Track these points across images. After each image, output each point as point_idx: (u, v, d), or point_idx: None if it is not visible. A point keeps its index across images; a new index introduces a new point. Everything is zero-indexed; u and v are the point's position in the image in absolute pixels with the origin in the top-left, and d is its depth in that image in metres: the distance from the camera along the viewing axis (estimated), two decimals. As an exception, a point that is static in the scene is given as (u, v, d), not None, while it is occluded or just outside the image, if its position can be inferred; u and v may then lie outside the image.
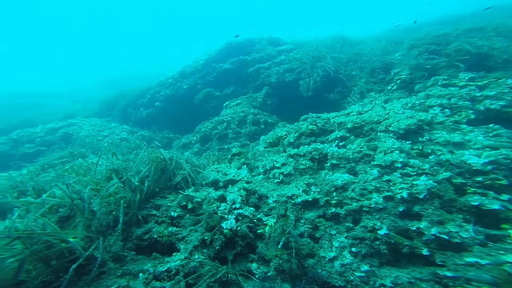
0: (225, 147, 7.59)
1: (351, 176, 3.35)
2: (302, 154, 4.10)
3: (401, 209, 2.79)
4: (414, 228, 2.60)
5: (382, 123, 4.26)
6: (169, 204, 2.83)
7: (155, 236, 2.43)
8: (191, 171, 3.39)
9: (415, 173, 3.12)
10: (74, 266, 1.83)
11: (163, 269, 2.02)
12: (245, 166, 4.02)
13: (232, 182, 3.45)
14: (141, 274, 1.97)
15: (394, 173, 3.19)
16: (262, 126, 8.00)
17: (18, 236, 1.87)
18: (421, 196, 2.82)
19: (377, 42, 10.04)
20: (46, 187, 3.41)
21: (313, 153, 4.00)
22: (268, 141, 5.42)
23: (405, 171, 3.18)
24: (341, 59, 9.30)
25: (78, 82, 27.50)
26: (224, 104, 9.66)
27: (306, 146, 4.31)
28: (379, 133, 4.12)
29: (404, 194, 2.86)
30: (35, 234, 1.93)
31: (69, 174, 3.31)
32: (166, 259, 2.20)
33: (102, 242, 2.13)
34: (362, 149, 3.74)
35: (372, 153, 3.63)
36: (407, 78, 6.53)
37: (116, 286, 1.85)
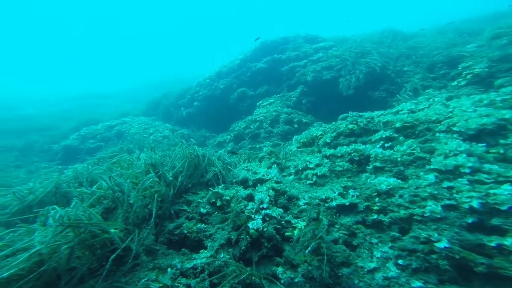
0: (257, 146, 7.53)
1: (399, 180, 2.89)
2: (340, 155, 3.74)
3: (469, 220, 2.31)
4: (493, 244, 2.13)
5: (442, 123, 3.60)
6: (199, 200, 2.86)
7: (185, 231, 2.46)
8: (222, 169, 3.38)
9: (493, 180, 2.54)
10: (112, 256, 1.93)
11: (190, 266, 2.01)
12: (275, 165, 3.86)
13: (261, 181, 3.32)
14: (169, 269, 1.99)
15: (459, 179, 2.64)
16: (295, 126, 7.70)
17: (68, 224, 2.06)
18: (503, 208, 2.29)
19: (439, 35, 8.66)
20: (97, 178, 3.82)
21: (352, 154, 3.61)
22: (301, 140, 5.15)
23: (475, 177, 2.62)
24: (390, 54, 8.35)
25: (127, 84, 31.50)
26: (257, 104, 9.63)
27: (345, 146, 3.92)
28: (437, 134, 3.49)
29: (475, 203, 2.35)
30: (82, 223, 2.09)
31: (116, 167, 3.64)
32: (193, 255, 2.20)
33: (137, 235, 2.23)
34: (414, 151, 3.21)
35: (428, 156, 3.08)
36: (483, 72, 5.49)
37: (147, 279, 1.91)
